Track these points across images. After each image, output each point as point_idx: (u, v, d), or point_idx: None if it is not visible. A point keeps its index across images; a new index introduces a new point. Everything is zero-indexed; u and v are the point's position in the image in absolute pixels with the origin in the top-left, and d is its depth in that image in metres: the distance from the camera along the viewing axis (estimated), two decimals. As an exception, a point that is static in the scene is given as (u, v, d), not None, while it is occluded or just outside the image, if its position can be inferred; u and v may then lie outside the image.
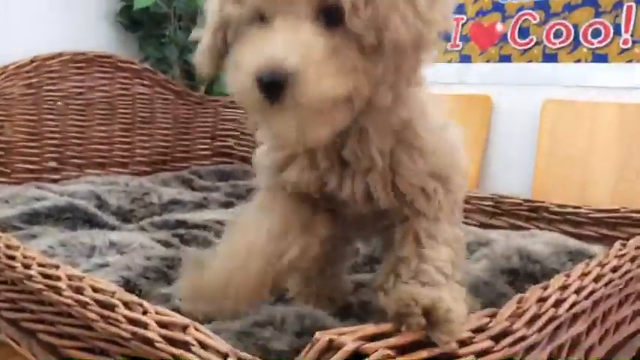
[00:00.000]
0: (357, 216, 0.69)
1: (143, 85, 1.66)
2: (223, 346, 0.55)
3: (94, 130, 1.59)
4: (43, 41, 1.74)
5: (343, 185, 0.64)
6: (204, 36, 0.63)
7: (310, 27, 0.52)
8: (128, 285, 0.78)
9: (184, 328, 0.59)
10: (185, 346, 0.57)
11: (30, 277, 0.76)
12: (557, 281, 0.67)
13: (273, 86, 0.49)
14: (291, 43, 0.50)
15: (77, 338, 0.74)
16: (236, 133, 1.93)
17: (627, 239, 1.12)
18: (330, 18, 0.52)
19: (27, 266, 0.78)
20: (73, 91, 1.53)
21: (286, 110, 0.51)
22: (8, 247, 0.84)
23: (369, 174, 0.63)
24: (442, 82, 1.56)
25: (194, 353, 0.56)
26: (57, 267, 0.76)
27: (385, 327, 0.47)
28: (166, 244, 1.02)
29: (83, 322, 0.72)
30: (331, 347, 0.46)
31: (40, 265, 0.77)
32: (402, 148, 0.63)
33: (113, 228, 1.15)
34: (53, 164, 1.51)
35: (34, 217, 1.12)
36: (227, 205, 1.47)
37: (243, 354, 0.54)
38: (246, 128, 1.93)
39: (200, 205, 1.41)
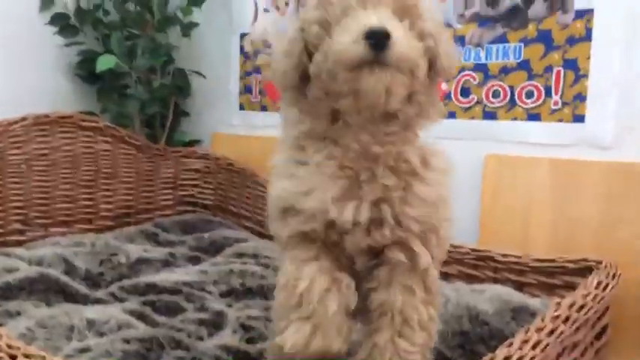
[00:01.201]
0: (354, 250, 0.76)
1: (105, 142, 1.71)
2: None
3: (58, 189, 1.62)
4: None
5: (358, 210, 0.72)
6: (282, 54, 0.75)
7: (392, 15, 0.69)
8: (112, 373, 0.83)
9: None
10: None
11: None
12: (501, 353, 0.77)
13: (380, 42, 0.64)
14: (385, 19, 0.67)
15: None
16: (197, 182, 1.99)
17: (563, 287, 1.25)
18: (399, 15, 0.70)
19: (13, 357, 0.82)
20: (36, 153, 1.56)
21: (383, 66, 0.66)
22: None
23: (382, 204, 0.72)
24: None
25: None
26: (43, 358, 0.80)
27: None
28: (140, 316, 1.07)
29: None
30: None
31: (26, 355, 0.82)
32: (409, 194, 0.73)
33: (86, 298, 1.18)
34: (18, 226, 1.53)
35: (7, 291, 1.15)
36: (193, 259, 1.52)
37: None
38: (207, 177, 1.99)
39: (167, 263, 1.47)
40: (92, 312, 1.03)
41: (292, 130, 0.79)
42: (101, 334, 0.94)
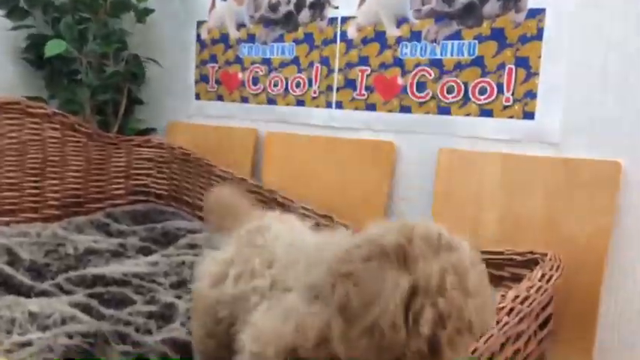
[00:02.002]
0: None
1: (53, 128, 1.65)
2: None
3: (4, 177, 1.56)
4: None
5: None
6: None
7: None
8: (53, 367, 0.81)
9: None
10: None
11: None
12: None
13: None
14: None
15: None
16: (151, 172, 1.95)
17: (510, 279, 1.28)
18: None
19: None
20: (-20, 139, 1.50)
21: None
22: None
23: None
24: (350, 128, 1.67)
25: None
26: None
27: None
28: (85, 309, 1.04)
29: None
30: None
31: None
32: None
33: (29, 290, 1.15)
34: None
35: (-54, 283, 1.10)
36: (144, 250, 1.50)
37: None
38: (161, 166, 1.95)
39: (117, 253, 1.43)
40: (35, 305, 1.00)
41: None
42: (44, 328, 0.91)
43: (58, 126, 1.65)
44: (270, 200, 1.68)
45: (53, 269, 1.29)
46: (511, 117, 1.42)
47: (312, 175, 1.72)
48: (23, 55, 1.93)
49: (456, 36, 1.50)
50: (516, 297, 0.97)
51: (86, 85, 1.83)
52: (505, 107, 1.43)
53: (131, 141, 1.92)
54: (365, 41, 1.64)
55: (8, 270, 1.19)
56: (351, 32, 1.67)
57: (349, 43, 1.67)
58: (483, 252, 1.28)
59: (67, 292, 1.16)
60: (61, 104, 1.89)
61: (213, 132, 1.98)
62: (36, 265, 1.28)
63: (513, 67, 1.41)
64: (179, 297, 1.18)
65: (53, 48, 1.64)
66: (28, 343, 0.86)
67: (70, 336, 0.87)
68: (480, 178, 1.44)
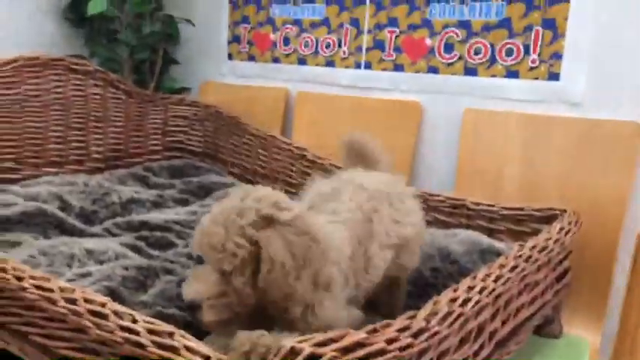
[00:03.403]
0: None
1: (96, 85, 1.73)
2: (206, 350, 0.69)
3: (50, 130, 1.65)
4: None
5: None
6: None
7: None
8: (113, 294, 0.90)
9: (171, 335, 0.72)
10: (174, 350, 0.71)
11: (24, 289, 0.87)
12: (464, 283, 0.85)
13: None
14: None
15: (69, 340, 0.87)
16: (186, 129, 2.03)
17: (530, 233, 1.34)
18: None
19: (19, 278, 0.89)
20: (28, 94, 1.58)
21: None
22: (-4, 260, 0.94)
23: None
24: (378, 88, 1.72)
25: (182, 356, 0.70)
26: (48, 280, 0.87)
27: (332, 334, 0.63)
28: (134, 249, 1.14)
29: (75, 327, 0.84)
30: (293, 352, 0.61)
31: (32, 277, 0.88)
32: None
33: (81, 233, 1.25)
34: (10, 164, 1.57)
35: (6, 224, 1.21)
36: (182, 201, 1.59)
37: (224, 357, 0.68)
38: (195, 124, 2.03)
39: (157, 204, 1.53)
40: (91, 243, 1.09)
41: None
42: (101, 262, 1.01)
43: (100, 83, 1.73)
44: (299, 157, 1.75)
45: (101, 216, 1.39)
46: (536, 78, 1.46)
47: (339, 133, 1.78)
48: (65, 14, 2.01)
49: (485, -3, 1.53)
50: (534, 246, 1.04)
51: (125, 44, 1.90)
52: (531, 68, 1.46)
53: (167, 99, 2.00)
54: (394, 3, 1.68)
55: (61, 214, 1.28)
56: (381, -7, 1.70)
57: (378, 5, 1.71)
58: (504, 208, 1.35)
59: (116, 235, 1.26)
60: (101, 62, 1.97)
61: (245, 91, 2.05)
62: (85, 211, 1.38)
63: (540, 28, 1.44)
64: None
65: (95, 6, 1.71)
66: (88, 274, 0.96)
67: (125, 268, 0.97)
68: (504, 138, 1.49)
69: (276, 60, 1.97)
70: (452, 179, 1.59)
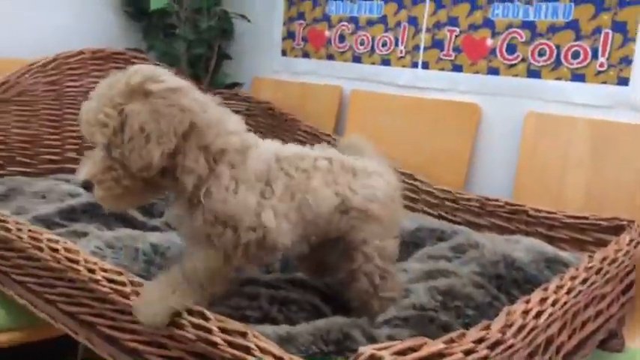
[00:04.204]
0: None
1: (154, 79, 1.76)
2: (279, 350, 0.70)
3: (110, 122, 1.68)
4: (48, 27, 1.80)
5: None
6: None
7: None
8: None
9: (243, 335, 0.73)
10: (246, 350, 0.71)
11: (96, 282, 0.89)
12: (537, 295, 0.83)
13: None
14: None
15: (139, 333, 0.88)
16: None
17: (594, 243, 1.30)
18: None
19: (91, 270, 0.91)
20: (91, 86, 1.61)
21: None
22: (68, 250, 0.97)
23: None
24: (435, 88, 1.70)
25: (254, 356, 0.70)
26: (120, 273, 0.89)
27: (410, 343, 0.62)
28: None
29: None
30: (373, 359, 0.61)
31: (103, 270, 0.90)
32: None
33: (143, 225, 1.27)
34: (73, 155, 1.61)
35: (71, 214, 1.24)
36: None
37: (296, 358, 0.68)
38: (248, 119, 2.04)
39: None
40: (154, 237, 1.11)
41: None
42: (166, 258, 1.03)
43: (158, 77, 1.75)
44: (352, 156, 1.75)
45: (160, 208, 1.41)
46: (604, 82, 1.41)
47: (394, 133, 1.77)
48: (124, 8, 2.05)
49: (552, -2, 1.48)
50: (604, 258, 1.00)
51: (182, 38, 1.92)
52: (598, 72, 1.42)
53: (221, 94, 2.01)
54: (455, 1, 1.65)
55: (123, 206, 1.31)
56: (442, -8, 1.67)
57: (438, 3, 1.68)
58: (568, 216, 1.31)
59: (174, 229, 1.27)
60: (158, 56, 2.00)
61: (297, 88, 2.05)
62: (144, 204, 1.40)
63: (610, 31, 1.39)
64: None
65: (158, 1, 1.73)
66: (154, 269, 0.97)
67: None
68: (567, 144, 1.44)
69: (330, 57, 1.96)
70: (509, 184, 1.55)
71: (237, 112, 2.03)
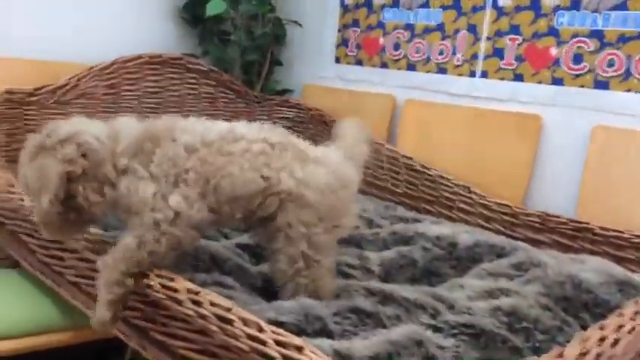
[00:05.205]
0: None
1: (208, 85, 1.76)
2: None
3: (164, 127, 1.70)
4: (110, 33, 1.84)
5: None
6: None
7: None
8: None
9: (300, 349, 0.70)
10: (302, 364, 0.68)
11: (149, 287, 0.88)
12: (613, 321, 0.78)
13: None
14: None
15: (191, 341, 0.87)
16: (289, 131, 2.03)
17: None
18: None
19: (145, 275, 0.90)
20: (147, 90, 1.64)
21: None
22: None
23: None
24: (494, 99, 1.64)
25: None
26: (173, 279, 0.87)
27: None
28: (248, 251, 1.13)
29: (199, 329, 0.83)
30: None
31: (158, 275, 0.89)
32: None
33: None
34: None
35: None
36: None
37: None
38: (299, 126, 2.03)
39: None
40: (211, 247, 1.10)
41: None
42: (222, 268, 1.01)
43: (212, 82, 1.76)
44: (405, 166, 1.71)
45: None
46: (679, 95, 1.33)
47: (449, 145, 1.72)
48: (181, 15, 2.07)
49: (622, 6, 1.41)
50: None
51: (237, 44, 1.92)
52: (673, 84, 1.34)
53: (272, 100, 2.01)
54: (518, 9, 1.59)
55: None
56: (504, -1, 1.62)
57: (500, 11, 1.63)
58: (636, 235, 1.24)
59: (229, 238, 1.26)
60: (212, 62, 2.01)
61: (348, 96, 2.02)
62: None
63: (687, 41, 1.31)
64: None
65: (214, 7, 1.74)
66: (217, 279, 0.96)
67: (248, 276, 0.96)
68: (636, 160, 1.37)
69: (384, 65, 1.93)
70: (571, 201, 1.48)
71: (287, 118, 2.05)
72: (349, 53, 2.04)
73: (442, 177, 1.61)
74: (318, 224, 0.97)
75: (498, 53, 1.63)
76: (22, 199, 1.15)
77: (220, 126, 1.00)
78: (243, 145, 0.95)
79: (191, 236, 0.92)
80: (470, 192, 1.54)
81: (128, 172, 0.92)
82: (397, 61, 1.89)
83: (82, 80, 1.50)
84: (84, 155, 0.90)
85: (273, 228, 0.97)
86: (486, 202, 1.50)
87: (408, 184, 1.70)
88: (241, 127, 1.00)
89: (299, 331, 0.84)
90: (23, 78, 1.53)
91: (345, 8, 2.04)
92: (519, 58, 1.59)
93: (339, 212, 1.00)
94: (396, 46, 1.89)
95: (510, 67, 1.61)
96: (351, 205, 1.04)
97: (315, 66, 2.16)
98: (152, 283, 0.88)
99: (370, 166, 1.78)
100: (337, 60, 2.08)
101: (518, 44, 1.59)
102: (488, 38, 1.66)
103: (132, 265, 0.89)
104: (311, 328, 0.84)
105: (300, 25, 2.11)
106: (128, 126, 0.96)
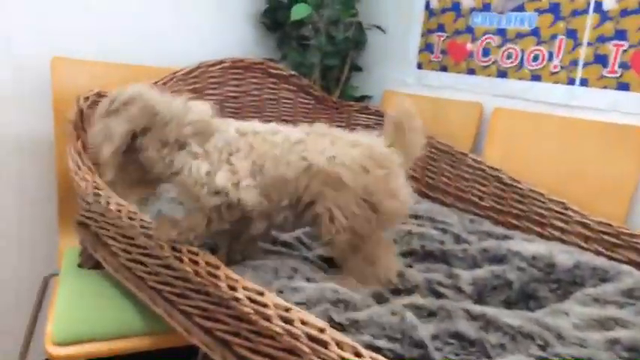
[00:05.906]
0: None
1: (288, 90, 1.73)
2: None
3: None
4: (194, 39, 1.85)
5: None
6: None
7: None
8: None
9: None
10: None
11: (237, 300, 0.84)
12: None
13: None
14: None
15: (275, 357, 0.82)
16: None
17: None
18: None
19: (232, 288, 0.87)
20: (229, 95, 1.62)
21: None
22: (209, 264, 0.93)
23: None
24: (594, 108, 1.52)
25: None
26: (262, 293, 0.83)
27: None
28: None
29: (287, 348, 0.79)
30: None
31: (245, 288, 0.85)
32: None
33: (273, 241, 1.23)
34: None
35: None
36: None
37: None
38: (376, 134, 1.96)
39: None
40: (292, 262, 1.05)
41: None
42: (308, 280, 0.96)
43: (292, 88, 1.73)
44: (493, 178, 1.61)
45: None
46: None
47: (542, 157, 1.60)
48: (261, 20, 2.06)
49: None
50: None
51: (317, 49, 1.89)
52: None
53: (351, 106, 1.96)
54: (625, 13, 1.46)
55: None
56: (608, 2, 1.50)
57: (604, 15, 1.51)
58: None
59: (305, 245, 1.22)
60: (293, 66, 1.98)
61: (431, 103, 1.94)
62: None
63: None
64: (409, 266, 1.19)
65: (299, 12, 1.71)
66: (296, 289, 0.91)
67: (335, 290, 0.91)
68: None
69: (471, 72, 1.84)
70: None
71: (366, 125, 1.99)
72: (433, 59, 1.96)
73: (534, 191, 1.51)
74: (354, 206, 0.99)
75: (601, 60, 1.51)
76: (108, 202, 1.15)
77: (265, 125, 1.08)
78: (283, 136, 1.04)
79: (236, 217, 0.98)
80: (566, 208, 1.43)
81: (186, 145, 0.97)
82: (486, 67, 1.80)
83: (167, 84, 1.50)
84: (147, 114, 0.95)
85: (315, 214, 1.01)
86: (585, 221, 1.38)
87: (495, 197, 1.61)
88: (282, 126, 1.09)
89: (395, 357, 0.77)
90: (110, 81, 1.55)
91: (430, 12, 1.96)
92: (624, 66, 1.46)
93: (376, 193, 1.00)
94: (486, 52, 1.80)
95: (614, 75, 1.48)
96: (394, 188, 1.02)
97: (396, 71, 2.09)
98: (240, 296, 0.84)
99: (451, 176, 1.70)
100: (419, 66, 2.01)
101: (624, 51, 1.47)
102: (590, 44, 1.54)
103: (180, 237, 0.98)
104: (408, 353, 0.78)
105: (382, 30, 2.05)
106: (200, 108, 1.01)
